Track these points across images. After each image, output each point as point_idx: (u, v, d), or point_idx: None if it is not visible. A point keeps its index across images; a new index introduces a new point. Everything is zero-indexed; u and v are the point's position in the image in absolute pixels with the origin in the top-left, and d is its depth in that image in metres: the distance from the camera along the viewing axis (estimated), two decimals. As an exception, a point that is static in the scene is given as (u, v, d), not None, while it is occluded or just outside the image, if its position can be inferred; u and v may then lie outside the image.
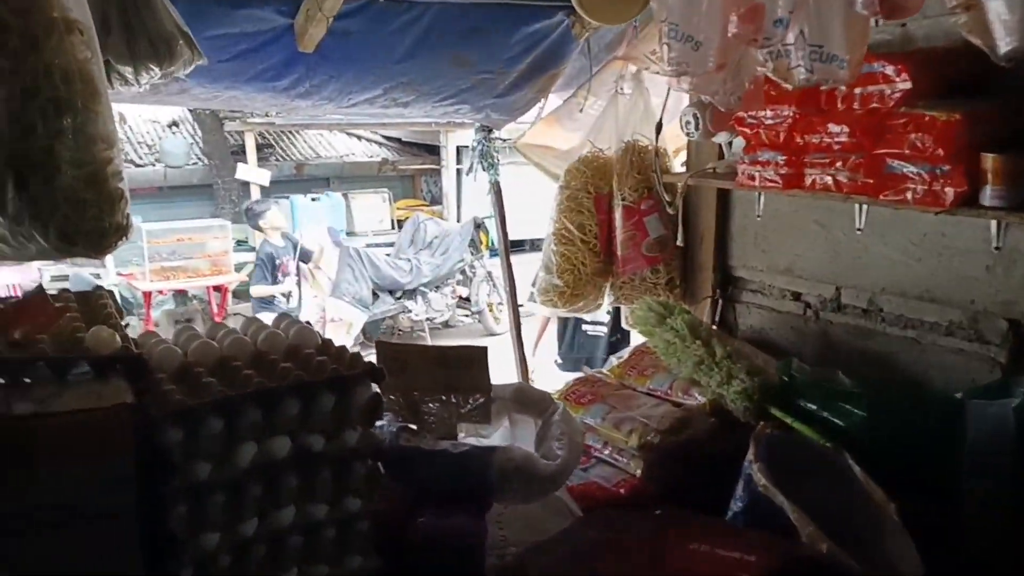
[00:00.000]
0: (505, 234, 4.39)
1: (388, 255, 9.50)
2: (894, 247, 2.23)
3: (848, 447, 1.86)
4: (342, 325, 8.38)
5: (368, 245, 9.94)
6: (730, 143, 2.55)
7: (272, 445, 1.45)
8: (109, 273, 9.19)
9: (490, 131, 4.06)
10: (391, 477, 1.72)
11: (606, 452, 2.23)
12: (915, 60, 1.88)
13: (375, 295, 8.89)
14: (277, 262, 7.54)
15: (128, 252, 9.42)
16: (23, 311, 1.54)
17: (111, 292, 1.77)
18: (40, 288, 1.69)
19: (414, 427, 1.90)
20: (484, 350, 2.06)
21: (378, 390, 1.59)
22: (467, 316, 10.11)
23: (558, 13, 3.10)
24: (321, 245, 8.36)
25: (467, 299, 9.87)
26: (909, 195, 1.88)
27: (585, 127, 3.16)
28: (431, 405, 1.95)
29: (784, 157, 2.13)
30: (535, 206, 5.37)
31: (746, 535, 1.71)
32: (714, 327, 2.70)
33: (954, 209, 1.81)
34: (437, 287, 9.50)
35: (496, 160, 4.12)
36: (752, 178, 2.23)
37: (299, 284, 7.92)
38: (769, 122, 2.13)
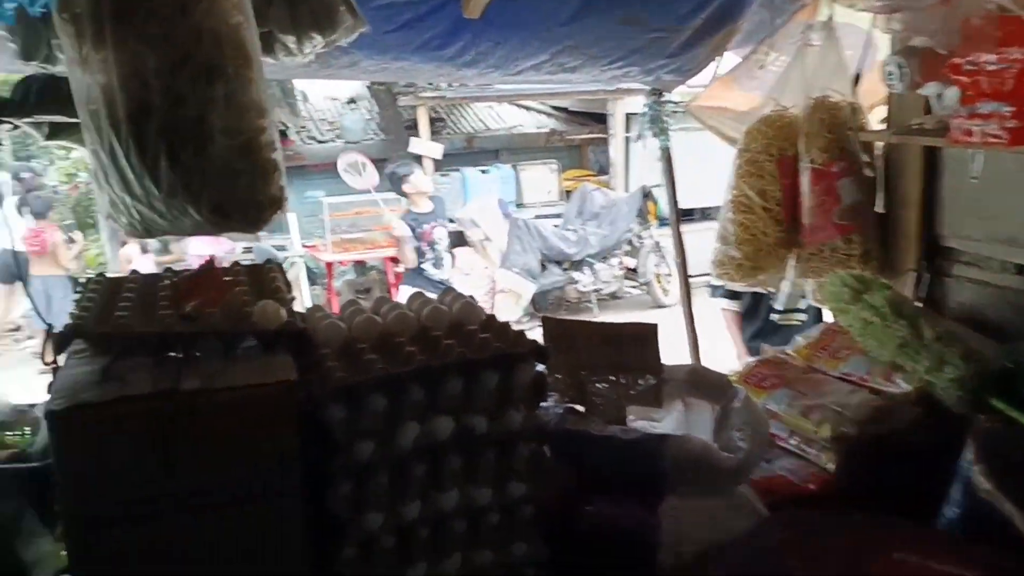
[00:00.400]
0: (676, 203, 4.12)
1: (556, 226, 9.51)
2: None
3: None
4: (511, 296, 8.54)
5: (537, 216, 9.96)
6: (939, 95, 2.18)
7: (435, 425, 1.39)
8: (294, 245, 9.73)
9: (660, 94, 3.82)
10: (557, 462, 1.62)
11: (793, 442, 2.02)
12: None
13: (543, 266, 9.01)
14: (417, 231, 7.20)
15: (311, 225, 9.95)
16: (195, 285, 1.55)
17: (279, 265, 1.76)
18: (211, 262, 1.71)
19: (581, 409, 1.80)
20: (654, 328, 1.92)
21: (543, 369, 1.50)
22: (634, 287, 9.99)
23: (742, -38, 2.73)
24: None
25: (634, 270, 9.78)
26: None
27: (766, 85, 2.86)
28: (599, 386, 1.84)
29: (1012, 108, 1.79)
30: (705, 173, 5.12)
31: (965, 547, 1.50)
32: (919, 304, 2.40)
33: None
34: (604, 258, 9.48)
35: (667, 125, 3.86)
36: (969, 133, 1.89)
37: (449, 251, 7.56)
38: (993, 68, 1.79)
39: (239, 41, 1.42)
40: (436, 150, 9.99)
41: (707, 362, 3.60)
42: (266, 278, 1.66)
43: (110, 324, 1.41)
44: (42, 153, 11.59)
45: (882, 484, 1.85)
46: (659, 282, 9.71)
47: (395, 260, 9.01)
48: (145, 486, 1.27)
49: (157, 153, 1.39)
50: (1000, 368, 1.92)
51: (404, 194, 7.53)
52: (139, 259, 8.86)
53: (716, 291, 3.94)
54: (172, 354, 1.40)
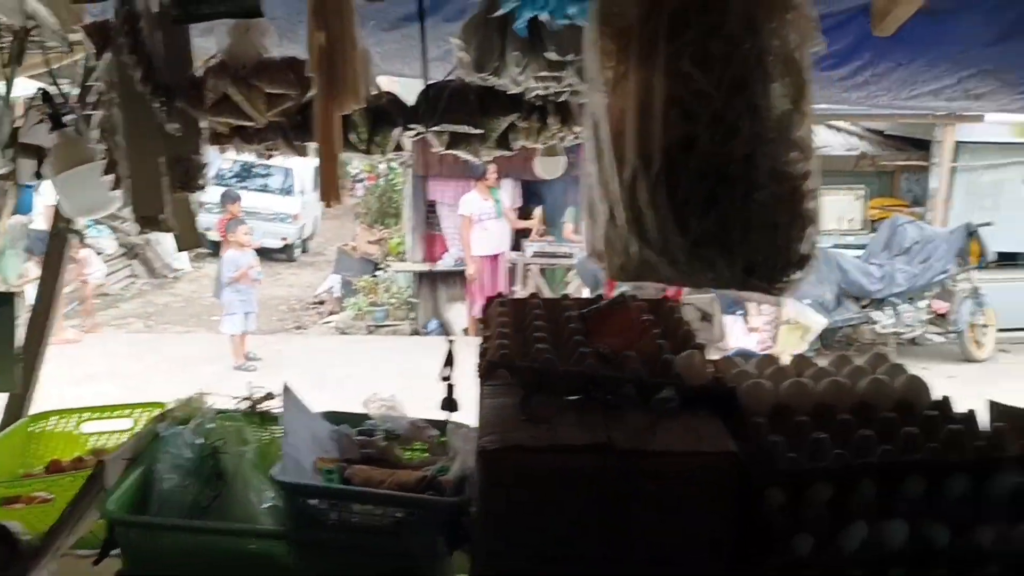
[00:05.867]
0: None
1: (858, 258, 8.80)
2: None
3: None
4: (797, 329, 7.85)
5: (835, 246, 9.16)
6: None
7: (886, 530, 1.21)
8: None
9: None
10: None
11: None
12: None
13: (838, 300, 8.36)
14: None
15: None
16: (607, 321, 1.47)
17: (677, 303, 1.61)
18: (623, 296, 1.61)
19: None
20: None
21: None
22: (939, 335, 8.88)
23: None
24: None
25: (943, 316, 8.80)
26: None
27: None
28: None
29: None
30: None
31: None
32: None
33: None
34: (910, 299, 8.61)
35: None
36: None
37: None
38: None
39: (800, 67, 1.19)
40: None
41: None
42: (670, 318, 1.54)
43: (531, 357, 1.36)
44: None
45: None
46: (973, 333, 8.62)
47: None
48: (560, 545, 1.19)
49: (692, 194, 1.15)
50: None
51: None
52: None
53: None
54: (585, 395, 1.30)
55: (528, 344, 1.42)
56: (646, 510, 1.16)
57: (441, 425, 1.79)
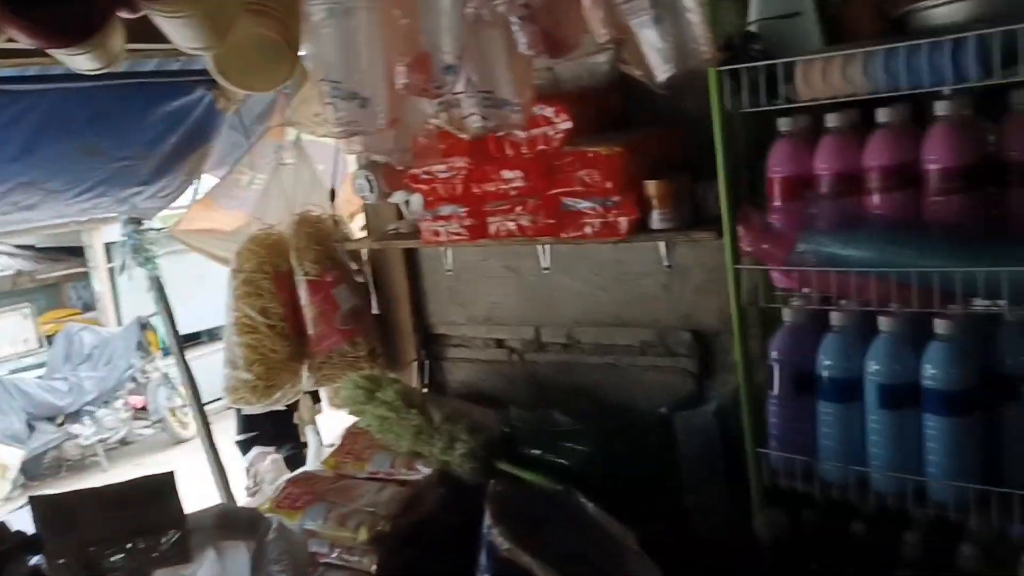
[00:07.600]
0: (176, 332, 3.92)
1: (40, 378, 8.34)
2: (580, 280, 2.33)
3: (578, 485, 1.89)
4: None
5: (13, 371, 8.71)
6: (407, 201, 2.50)
7: None
8: None
9: (139, 222, 3.55)
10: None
11: (334, 555, 2.05)
12: (569, 100, 1.97)
13: (31, 427, 7.79)
14: None
15: None
16: None
17: None
18: None
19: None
20: (170, 476, 1.84)
21: (41, 562, 1.42)
22: (147, 427, 8.69)
23: (197, 88, 2.96)
24: None
25: (144, 408, 8.64)
26: (588, 229, 1.97)
27: (248, 204, 3.10)
28: (115, 559, 1.72)
29: (465, 209, 2.14)
30: (205, 293, 4.86)
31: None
32: (426, 391, 2.66)
33: (629, 237, 1.94)
34: (106, 402, 8.33)
35: (152, 253, 3.70)
36: (437, 234, 2.23)
37: None
38: (444, 176, 2.12)
39: None
40: None
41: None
42: None
43: None
44: None
45: (424, 568, 1.98)
46: (174, 416, 8.46)
47: None
48: None
49: None
50: (500, 434, 2.16)
51: None
52: None
53: (246, 446, 3.55)
54: None
55: None
56: None
57: None
